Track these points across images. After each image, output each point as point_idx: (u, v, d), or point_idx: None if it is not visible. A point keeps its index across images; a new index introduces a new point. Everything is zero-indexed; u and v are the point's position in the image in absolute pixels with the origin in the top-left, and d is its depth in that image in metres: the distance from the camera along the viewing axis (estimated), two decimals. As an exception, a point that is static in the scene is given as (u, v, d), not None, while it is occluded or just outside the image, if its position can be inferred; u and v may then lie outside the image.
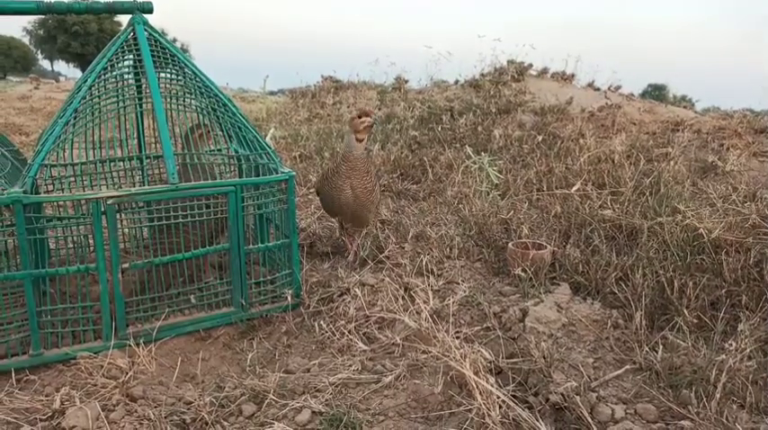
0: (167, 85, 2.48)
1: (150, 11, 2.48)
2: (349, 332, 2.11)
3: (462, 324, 2.15)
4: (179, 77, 2.46)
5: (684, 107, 6.46)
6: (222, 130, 2.53)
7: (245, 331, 2.29)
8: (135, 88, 2.53)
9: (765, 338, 1.89)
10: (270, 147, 2.47)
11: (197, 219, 2.19)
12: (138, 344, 2.01)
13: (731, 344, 1.73)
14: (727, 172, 3.58)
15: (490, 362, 1.80)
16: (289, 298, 2.32)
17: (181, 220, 2.15)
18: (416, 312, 2.13)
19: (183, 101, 2.49)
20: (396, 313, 2.13)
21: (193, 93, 2.43)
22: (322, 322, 2.19)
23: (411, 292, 2.34)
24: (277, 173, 2.38)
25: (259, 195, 2.37)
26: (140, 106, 2.54)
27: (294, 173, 2.39)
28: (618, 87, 6.19)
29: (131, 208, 2.25)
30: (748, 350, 1.69)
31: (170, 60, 2.42)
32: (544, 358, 1.80)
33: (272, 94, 13.78)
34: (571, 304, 2.22)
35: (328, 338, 2.12)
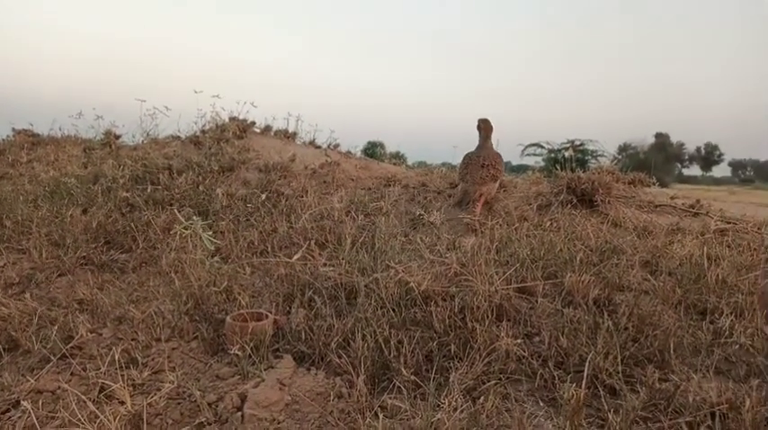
0: None
1: None
2: (9, 467, 1.59)
3: (169, 424, 1.81)
4: None
5: (395, 163, 7.14)
6: None
7: None
8: None
9: (473, 385, 1.99)
10: None
11: None
12: None
13: (444, 400, 1.76)
14: (431, 223, 3.94)
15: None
16: None
17: None
18: (110, 419, 1.72)
19: None
20: (80, 426, 1.69)
21: None
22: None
23: (106, 393, 1.91)
24: None
25: None
26: None
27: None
28: (336, 145, 6.53)
29: None
30: (460, 405, 1.73)
31: None
32: (263, 453, 1.59)
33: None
34: (294, 378, 2.06)
35: (-24, 482, 1.57)
